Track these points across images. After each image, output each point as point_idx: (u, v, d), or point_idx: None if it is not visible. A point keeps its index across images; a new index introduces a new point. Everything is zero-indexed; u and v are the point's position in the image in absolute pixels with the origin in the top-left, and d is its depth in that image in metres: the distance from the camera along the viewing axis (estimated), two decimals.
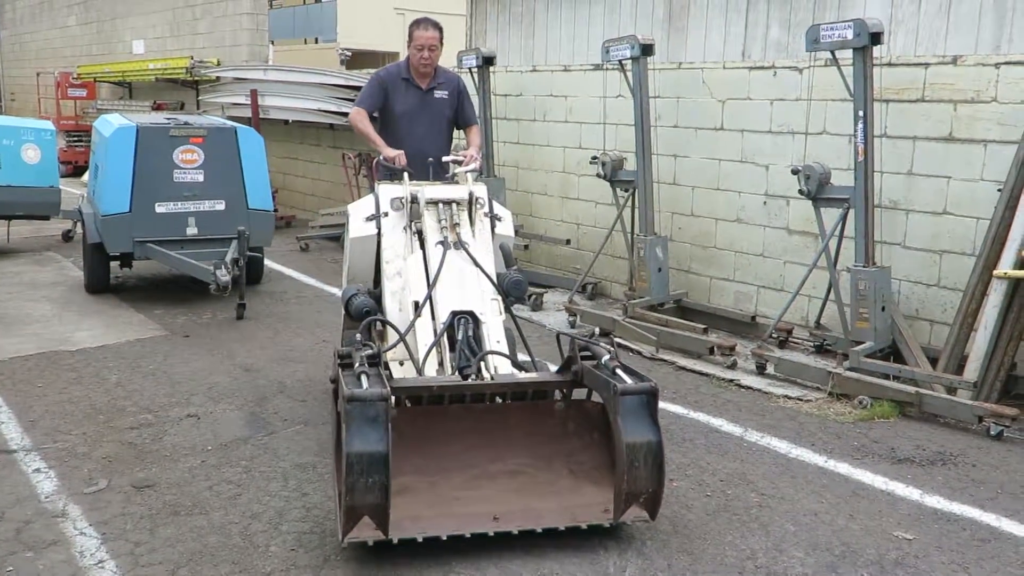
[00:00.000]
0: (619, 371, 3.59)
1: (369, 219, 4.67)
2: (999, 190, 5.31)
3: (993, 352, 5.17)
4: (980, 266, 5.32)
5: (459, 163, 4.97)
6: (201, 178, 7.50)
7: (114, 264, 7.88)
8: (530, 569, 3.37)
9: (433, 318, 4.14)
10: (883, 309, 5.55)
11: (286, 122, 11.84)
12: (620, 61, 6.92)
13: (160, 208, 7.38)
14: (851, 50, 5.40)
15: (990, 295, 5.22)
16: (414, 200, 4.57)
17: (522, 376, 3.91)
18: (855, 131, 5.49)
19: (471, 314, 4.10)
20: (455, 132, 5.68)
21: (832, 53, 5.56)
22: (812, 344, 6.15)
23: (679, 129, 7.28)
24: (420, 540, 3.39)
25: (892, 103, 5.86)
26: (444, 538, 3.41)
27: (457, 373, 3.85)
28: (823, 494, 4.09)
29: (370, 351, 3.59)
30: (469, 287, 4.24)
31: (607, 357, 3.68)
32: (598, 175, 7.30)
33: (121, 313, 7.27)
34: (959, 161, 5.59)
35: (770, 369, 5.78)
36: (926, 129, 5.73)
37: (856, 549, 3.58)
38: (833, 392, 5.36)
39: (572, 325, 7.02)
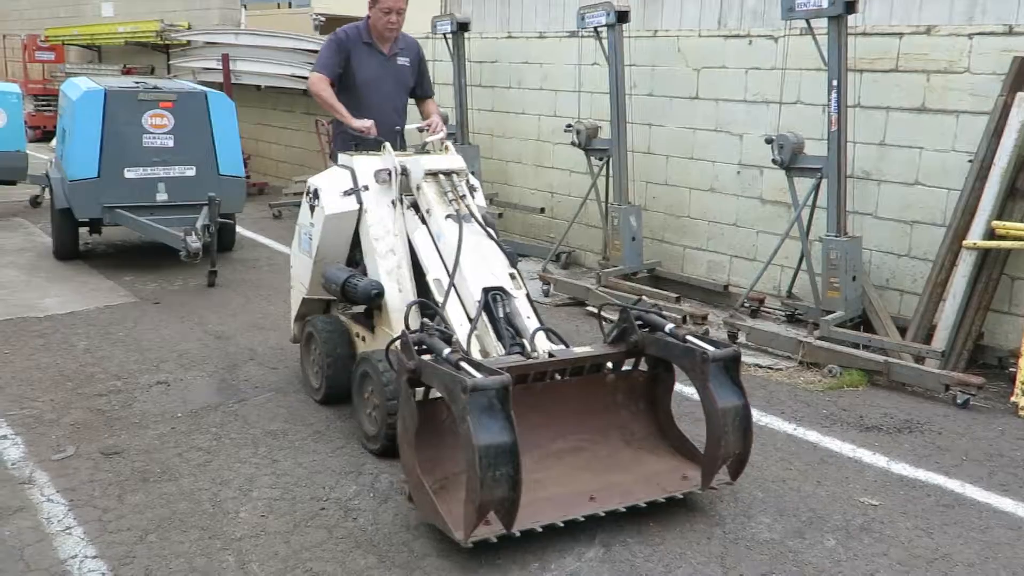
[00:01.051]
0: (691, 338, 3.53)
1: (347, 193, 4.39)
2: (970, 161, 5.35)
3: (961, 322, 5.24)
4: (950, 236, 5.37)
5: (423, 131, 4.80)
6: (171, 143, 7.38)
7: (83, 230, 7.77)
8: None
9: (459, 297, 3.94)
10: (854, 279, 5.60)
11: (258, 88, 11.67)
12: (595, 28, 6.87)
13: (129, 173, 7.27)
14: (826, 19, 5.39)
15: (959, 265, 5.28)
16: (403, 172, 4.34)
17: (581, 350, 3.77)
18: (829, 101, 5.49)
19: (502, 289, 3.92)
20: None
21: (807, 22, 5.54)
22: (783, 313, 6.19)
23: (654, 98, 7.26)
24: (540, 530, 3.23)
25: (866, 73, 5.86)
26: (561, 524, 3.27)
27: (508, 352, 3.67)
28: (791, 461, 4.14)
29: (449, 335, 3.40)
30: (492, 261, 4.05)
31: (672, 325, 3.62)
32: (573, 143, 7.28)
33: (90, 279, 7.18)
34: (931, 132, 5.61)
35: (741, 338, 5.82)
36: (899, 99, 5.75)
37: (823, 515, 3.63)
38: (803, 361, 5.41)
39: (546, 294, 7.02)
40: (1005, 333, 5.35)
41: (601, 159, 7.18)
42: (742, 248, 6.82)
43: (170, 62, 13.40)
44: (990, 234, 5.19)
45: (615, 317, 3.89)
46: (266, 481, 3.84)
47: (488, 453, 2.96)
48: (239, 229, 8.49)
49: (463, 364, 3.14)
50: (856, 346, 5.37)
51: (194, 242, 6.77)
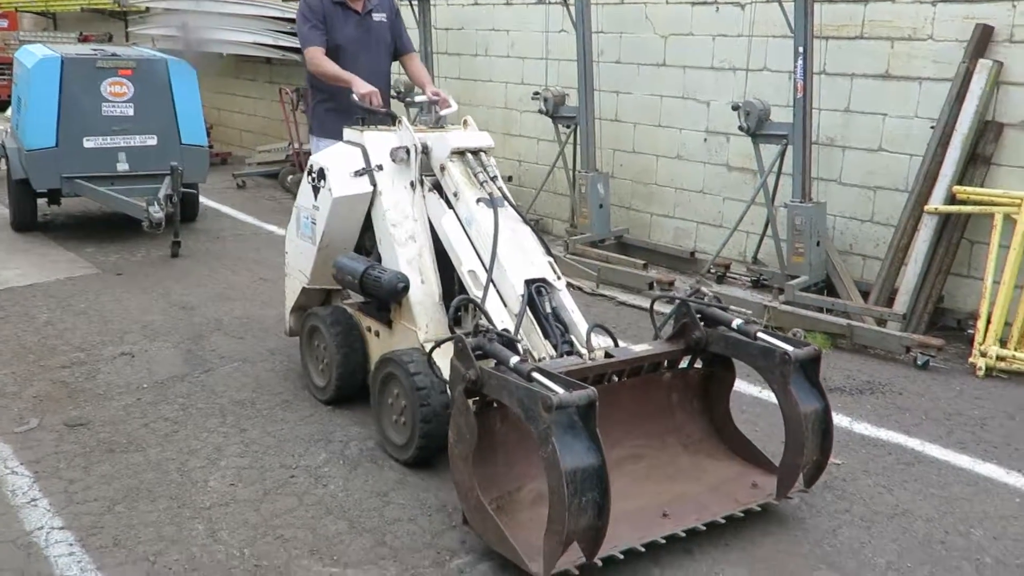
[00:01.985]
0: (763, 335, 3.28)
1: (359, 174, 4.00)
2: (932, 127, 5.41)
3: (922, 286, 5.33)
4: (912, 202, 5.44)
5: (432, 106, 4.47)
6: (131, 112, 7.25)
7: (41, 201, 7.63)
8: None
9: (497, 290, 3.62)
10: (818, 244, 5.66)
11: (220, 55, 11.45)
12: None
13: (88, 143, 7.14)
14: None
15: (920, 230, 5.36)
16: (424, 150, 3.99)
17: (640, 349, 3.46)
18: (795, 67, 5.52)
19: (545, 281, 3.63)
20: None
21: None
22: (749, 279, 6.24)
23: (621, 65, 7.24)
24: (621, 557, 2.92)
25: (831, 40, 5.88)
26: (642, 549, 2.97)
27: (558, 352, 3.39)
28: (756, 423, 4.19)
29: (513, 340, 3.09)
30: (530, 250, 3.75)
31: (740, 321, 3.36)
32: (540, 111, 7.26)
33: (50, 251, 7.06)
34: (895, 98, 5.66)
35: None
36: (864, 66, 5.78)
37: None
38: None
39: None
40: (964, 296, 5.45)
41: (568, 127, 7.17)
42: (708, 215, 6.86)
43: (128, 29, 13.13)
44: (951, 199, 5.26)
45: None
46: (234, 450, 3.82)
47: (575, 478, 2.65)
48: (202, 199, 8.36)
49: (537, 375, 2.81)
50: (820, 310, 5.44)
51: (156, 212, 6.69)
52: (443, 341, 3.27)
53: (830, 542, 3.22)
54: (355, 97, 4.50)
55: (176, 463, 3.70)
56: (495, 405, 3.11)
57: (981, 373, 4.80)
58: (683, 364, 3.63)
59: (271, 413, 4.19)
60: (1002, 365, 4.80)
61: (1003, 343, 4.90)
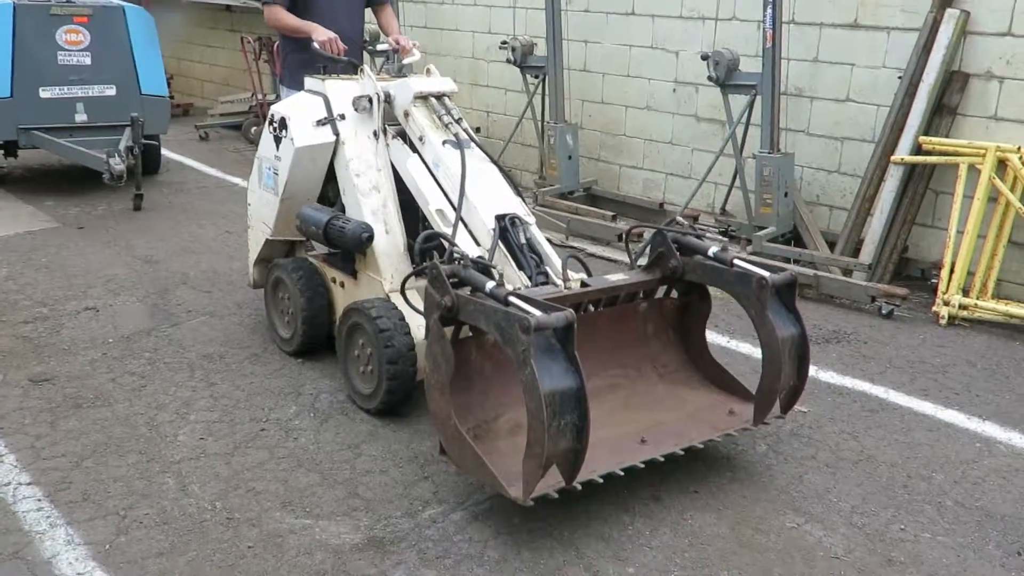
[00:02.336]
0: (740, 262, 3.28)
1: (321, 123, 3.99)
2: (899, 77, 5.42)
3: (887, 236, 5.39)
4: (879, 152, 5.47)
5: (395, 52, 4.46)
6: (88, 61, 7.07)
7: None
8: None
9: (466, 226, 3.61)
10: (786, 195, 5.68)
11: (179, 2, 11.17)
12: None
13: (45, 93, 6.95)
14: None
15: (887, 181, 5.41)
16: (387, 99, 3.94)
17: (616, 278, 3.45)
18: (764, 17, 5.48)
19: (516, 216, 3.61)
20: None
21: None
22: (717, 230, 6.27)
23: (590, 14, 7.15)
24: (601, 481, 2.93)
25: None
26: (621, 473, 2.97)
27: (533, 283, 3.37)
28: None
29: (487, 266, 3.08)
30: (499, 187, 3.75)
31: (716, 248, 3.37)
32: (508, 61, 7.17)
33: (8, 205, 6.89)
34: (863, 48, 5.66)
35: None
36: (832, 16, 5.76)
37: None
38: None
39: None
40: (928, 246, 5.52)
41: (537, 77, 7.09)
42: (677, 166, 6.86)
43: None
44: (917, 150, 5.30)
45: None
46: (204, 404, 3.80)
47: (553, 400, 2.63)
48: (164, 151, 8.20)
49: (513, 299, 2.79)
50: (787, 260, 5.48)
51: (117, 164, 6.55)
52: (416, 272, 3.24)
53: (796, 488, 3.28)
54: (315, 45, 4.41)
55: (145, 418, 3.67)
56: (470, 335, 3.12)
57: (944, 322, 4.89)
58: (659, 294, 3.64)
59: (240, 367, 4.16)
60: (964, 314, 4.89)
61: (966, 292, 4.99)
